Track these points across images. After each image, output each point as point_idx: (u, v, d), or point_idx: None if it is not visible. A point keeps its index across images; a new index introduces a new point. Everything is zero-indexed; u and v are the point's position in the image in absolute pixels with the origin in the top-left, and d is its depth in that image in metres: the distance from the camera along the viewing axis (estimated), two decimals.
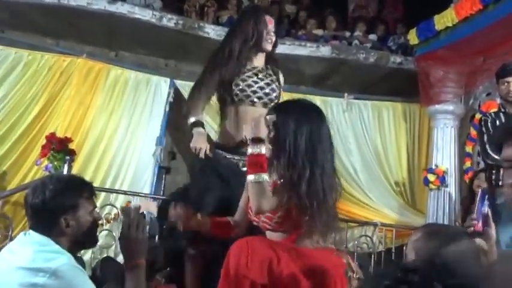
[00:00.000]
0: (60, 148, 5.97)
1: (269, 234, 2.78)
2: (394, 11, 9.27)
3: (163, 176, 7.73)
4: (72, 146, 6.25)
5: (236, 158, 3.56)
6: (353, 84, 8.05)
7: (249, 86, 3.63)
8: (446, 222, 6.66)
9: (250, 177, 2.67)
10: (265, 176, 2.65)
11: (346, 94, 7.71)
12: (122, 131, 7.00)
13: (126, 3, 7.23)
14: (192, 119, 3.70)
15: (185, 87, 7.30)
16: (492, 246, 2.14)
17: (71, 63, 6.92)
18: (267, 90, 3.66)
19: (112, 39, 7.76)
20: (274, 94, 3.70)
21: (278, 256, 2.53)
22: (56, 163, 5.89)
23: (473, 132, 6.62)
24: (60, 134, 6.34)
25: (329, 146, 2.76)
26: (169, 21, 7.32)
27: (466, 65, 6.67)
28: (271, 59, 3.88)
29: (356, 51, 7.89)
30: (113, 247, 5.39)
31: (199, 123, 3.69)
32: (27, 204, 2.40)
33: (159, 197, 7.02)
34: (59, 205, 2.36)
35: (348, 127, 7.56)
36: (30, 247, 2.28)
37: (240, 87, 3.62)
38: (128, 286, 2.32)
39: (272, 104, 3.61)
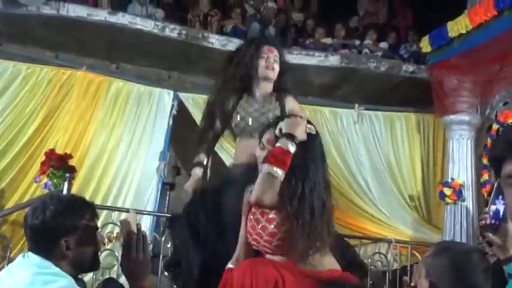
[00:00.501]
0: (59, 165, 5.97)
1: (270, 258, 2.77)
2: (404, 19, 9.28)
3: (168, 193, 7.73)
4: (72, 162, 6.25)
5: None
6: (364, 95, 8.04)
7: (243, 118, 3.77)
8: (464, 238, 6.61)
9: (268, 168, 2.69)
10: (281, 173, 2.67)
11: (356, 105, 7.68)
12: (124, 146, 6.99)
13: (127, 13, 7.25)
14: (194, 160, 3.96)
15: (189, 99, 7.31)
16: (507, 241, 2.13)
17: (71, 76, 6.92)
18: (262, 120, 3.72)
19: (113, 51, 7.78)
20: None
21: (283, 277, 2.54)
22: (55, 180, 5.88)
23: (490, 144, 6.57)
24: (59, 150, 6.34)
25: (321, 161, 2.80)
26: (172, 31, 7.34)
27: (481, 74, 6.64)
28: (280, 85, 3.96)
29: (366, 60, 7.88)
30: (115, 267, 5.35)
31: (199, 164, 3.94)
32: (27, 225, 2.38)
33: (163, 214, 7.01)
34: (60, 226, 2.34)
35: (359, 139, 7.53)
36: (29, 269, 2.26)
37: (237, 120, 3.78)
38: None
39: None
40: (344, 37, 8.60)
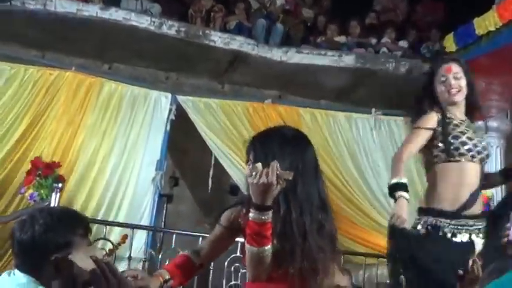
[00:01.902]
0: (47, 174, 5.99)
1: None
2: (430, 13, 9.26)
3: (165, 205, 7.70)
4: (60, 171, 6.28)
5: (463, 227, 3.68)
6: (381, 98, 8.04)
7: (463, 143, 3.75)
8: None
9: (252, 249, 2.65)
10: (267, 248, 2.63)
11: (373, 109, 7.70)
12: (116, 154, 7.00)
13: (120, 9, 7.28)
14: (394, 180, 3.74)
15: (188, 102, 7.33)
16: None
17: (59, 77, 6.95)
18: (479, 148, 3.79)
19: (105, 50, 7.81)
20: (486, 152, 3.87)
21: None
22: (42, 191, 5.91)
23: None
24: (46, 159, 6.36)
25: (314, 176, 2.75)
26: (170, 28, 7.37)
27: None
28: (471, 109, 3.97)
29: (384, 60, 7.90)
30: None
31: (403, 186, 3.70)
32: (15, 240, 2.39)
33: (161, 229, 7.01)
34: (51, 242, 2.34)
35: (376, 147, 7.53)
36: None
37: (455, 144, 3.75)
38: None
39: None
40: (359, 35, 8.63)
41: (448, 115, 3.84)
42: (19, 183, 6.31)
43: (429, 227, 3.65)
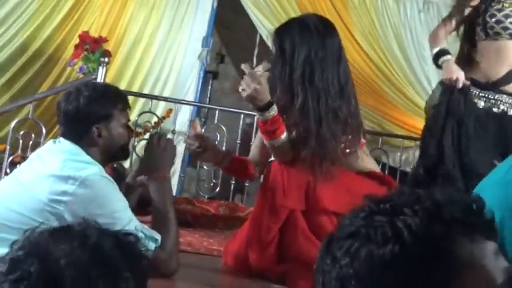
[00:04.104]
0: (94, 48, 6.19)
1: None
2: None
3: (210, 82, 7.84)
4: (107, 46, 6.46)
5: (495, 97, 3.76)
6: None
7: (498, 21, 3.76)
8: None
9: (269, 143, 2.93)
10: (283, 137, 2.88)
11: None
12: (164, 30, 7.06)
13: None
14: (435, 50, 3.89)
15: None
16: None
17: None
18: None
19: None
20: None
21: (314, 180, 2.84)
22: (90, 65, 6.14)
23: None
24: (95, 33, 6.53)
25: (335, 62, 2.92)
26: None
27: None
28: None
29: None
30: None
31: (445, 51, 3.85)
32: (60, 111, 2.69)
33: (204, 105, 7.28)
34: (93, 113, 2.64)
35: (423, 31, 7.43)
36: (61, 156, 2.58)
37: (495, 19, 3.77)
38: (155, 196, 2.67)
39: None
40: None
41: None
42: (68, 56, 6.53)
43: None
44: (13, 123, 5.35)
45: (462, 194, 1.02)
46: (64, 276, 1.05)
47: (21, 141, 5.24)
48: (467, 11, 3.90)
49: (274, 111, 2.83)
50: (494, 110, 3.76)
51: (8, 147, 5.22)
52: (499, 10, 3.79)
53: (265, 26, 7.14)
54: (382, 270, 0.92)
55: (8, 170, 4.93)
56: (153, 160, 2.79)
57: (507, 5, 3.82)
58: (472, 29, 3.90)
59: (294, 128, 2.91)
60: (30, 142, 5.26)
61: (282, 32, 3.01)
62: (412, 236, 0.92)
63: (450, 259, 0.92)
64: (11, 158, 5.12)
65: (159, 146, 2.79)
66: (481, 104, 3.77)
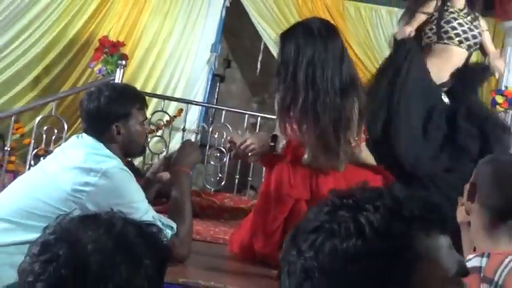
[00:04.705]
0: (112, 52, 6.20)
1: None
2: None
3: (218, 85, 7.90)
4: (124, 50, 6.48)
5: None
6: None
7: (453, 28, 3.99)
8: None
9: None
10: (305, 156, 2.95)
11: None
12: (176, 36, 7.11)
13: None
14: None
15: None
16: None
17: None
18: (468, 35, 4.02)
19: None
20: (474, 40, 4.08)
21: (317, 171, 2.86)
22: (108, 67, 6.15)
23: None
24: (113, 38, 6.56)
25: (337, 63, 2.90)
26: None
27: None
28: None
29: None
30: (164, 153, 5.70)
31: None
32: (82, 108, 2.71)
33: (212, 105, 7.31)
34: (112, 112, 2.66)
35: None
36: (83, 149, 2.60)
37: (444, 28, 3.99)
38: (175, 187, 2.76)
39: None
40: None
41: (448, 3, 3.98)
42: (88, 59, 6.57)
43: None
44: (37, 119, 5.40)
45: (421, 192, 1.02)
46: (90, 260, 1.09)
47: (44, 136, 5.31)
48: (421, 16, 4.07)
49: (282, 142, 2.93)
50: None
51: (32, 141, 5.28)
52: (454, 19, 4.00)
53: (268, 34, 7.16)
54: (345, 263, 0.91)
55: (32, 162, 4.97)
56: (181, 156, 2.84)
57: (462, 16, 4.02)
58: (421, 32, 4.11)
59: (298, 127, 2.92)
60: (53, 137, 5.37)
61: (288, 35, 3.00)
62: (373, 232, 0.91)
63: (408, 255, 0.92)
64: (35, 151, 5.17)
65: (191, 146, 2.91)
66: None
